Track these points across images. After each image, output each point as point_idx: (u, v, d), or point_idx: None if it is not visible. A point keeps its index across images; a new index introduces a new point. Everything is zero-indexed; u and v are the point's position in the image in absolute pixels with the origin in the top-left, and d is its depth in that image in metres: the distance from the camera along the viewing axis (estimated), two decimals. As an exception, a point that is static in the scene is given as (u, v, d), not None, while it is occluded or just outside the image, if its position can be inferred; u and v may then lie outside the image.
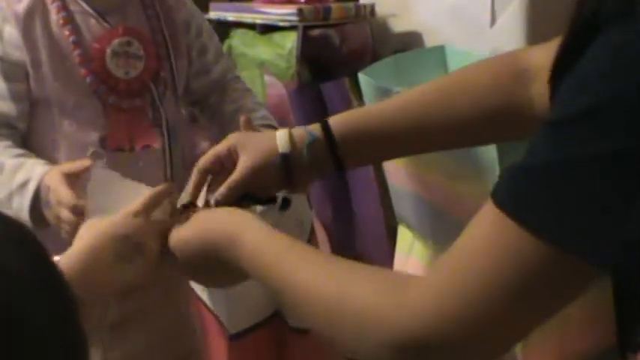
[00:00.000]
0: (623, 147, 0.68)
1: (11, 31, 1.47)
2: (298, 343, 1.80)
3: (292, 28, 2.33)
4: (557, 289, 0.73)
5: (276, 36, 2.37)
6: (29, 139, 1.52)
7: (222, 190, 1.08)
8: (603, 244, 0.69)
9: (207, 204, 1.09)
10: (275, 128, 1.53)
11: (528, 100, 1.01)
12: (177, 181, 1.56)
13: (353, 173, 2.32)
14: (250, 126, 1.33)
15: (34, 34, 1.48)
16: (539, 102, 0.99)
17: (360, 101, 2.08)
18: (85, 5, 1.50)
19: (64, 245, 1.05)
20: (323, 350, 1.71)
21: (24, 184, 1.42)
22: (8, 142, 1.48)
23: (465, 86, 1.08)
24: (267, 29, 2.40)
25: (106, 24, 1.51)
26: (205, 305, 1.79)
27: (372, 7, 2.43)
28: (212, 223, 1.01)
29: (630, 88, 0.68)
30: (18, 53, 1.47)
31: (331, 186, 2.37)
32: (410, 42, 2.38)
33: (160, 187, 1.11)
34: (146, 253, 1.05)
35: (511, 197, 0.73)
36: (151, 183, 1.51)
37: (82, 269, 1.02)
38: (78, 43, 1.49)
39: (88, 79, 1.48)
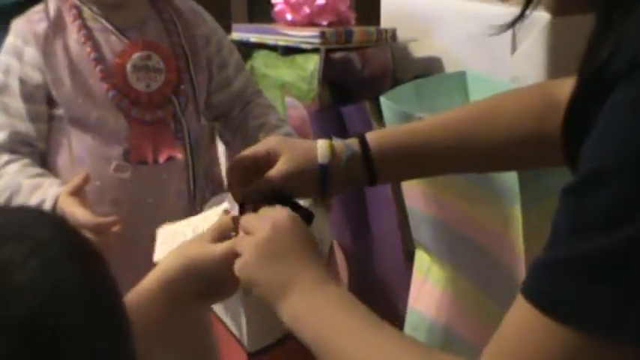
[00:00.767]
0: None
1: (32, 53, 1.49)
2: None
3: (314, 50, 2.34)
4: None
5: (298, 58, 2.38)
6: (52, 155, 1.54)
7: (253, 186, 1.09)
8: None
9: (241, 207, 1.09)
10: None
11: (558, 128, 1.03)
12: (199, 193, 1.58)
13: (372, 196, 2.33)
14: None
15: (54, 53, 1.49)
16: None
17: (381, 124, 2.09)
18: (104, 22, 1.52)
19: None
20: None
21: (39, 206, 1.43)
22: (27, 161, 1.49)
23: (499, 111, 1.10)
24: (290, 51, 2.41)
25: (125, 39, 1.52)
26: (224, 324, 1.79)
27: (394, 31, 2.45)
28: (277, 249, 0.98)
29: None
30: (38, 74, 1.49)
31: (350, 208, 2.38)
32: (431, 67, 2.39)
33: (223, 218, 1.10)
34: (226, 290, 1.05)
35: (550, 294, 0.72)
36: (174, 195, 1.53)
37: (164, 303, 1.02)
38: (99, 59, 1.51)
39: (110, 94, 1.50)
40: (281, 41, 2.42)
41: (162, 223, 1.27)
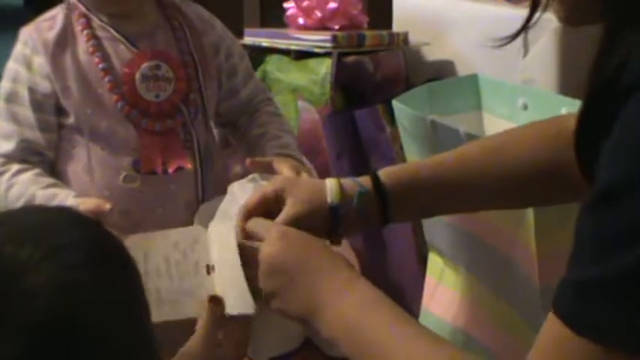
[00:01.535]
0: None
1: (41, 62, 1.49)
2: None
3: (327, 54, 2.35)
4: None
5: (311, 62, 2.39)
6: (61, 164, 1.53)
7: None
8: None
9: None
10: (293, 157, 1.53)
11: (573, 160, 1.02)
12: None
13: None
14: (258, 168, 1.35)
15: (63, 63, 1.49)
16: None
17: (393, 128, 2.10)
18: (113, 31, 1.52)
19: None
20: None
21: None
22: (38, 170, 1.49)
23: (512, 146, 1.08)
24: (302, 55, 2.42)
25: (134, 49, 1.52)
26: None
27: (406, 35, 2.45)
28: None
29: None
30: (47, 84, 1.48)
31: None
32: (443, 70, 2.39)
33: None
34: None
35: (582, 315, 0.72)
36: (183, 205, 1.53)
37: None
38: (108, 69, 1.50)
39: (119, 105, 1.49)
40: (293, 45, 2.43)
41: None
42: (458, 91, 1.99)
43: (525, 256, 1.54)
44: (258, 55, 2.48)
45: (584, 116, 0.80)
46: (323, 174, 2.44)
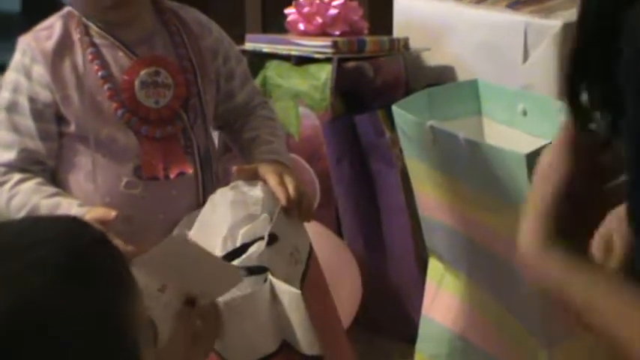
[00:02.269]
0: None
1: (40, 71, 1.48)
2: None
3: (327, 60, 2.36)
4: None
5: (311, 68, 2.40)
6: (62, 172, 1.53)
7: None
8: None
9: None
10: (279, 162, 1.54)
11: None
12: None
13: (384, 203, 2.34)
14: (244, 175, 1.35)
15: (62, 72, 1.48)
16: None
17: (393, 133, 2.10)
18: (111, 38, 1.52)
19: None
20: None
21: None
22: (39, 179, 1.49)
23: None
24: (302, 61, 2.43)
25: (133, 55, 1.52)
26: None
27: (406, 40, 2.46)
28: None
29: None
30: (46, 93, 1.48)
31: (363, 216, 2.38)
32: (443, 76, 2.40)
33: None
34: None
35: None
36: (184, 210, 1.53)
37: None
38: (107, 77, 1.49)
39: (119, 113, 1.49)
40: (294, 51, 2.44)
41: None
42: (458, 97, 2.00)
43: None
44: (259, 60, 2.49)
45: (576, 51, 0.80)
46: (323, 179, 2.45)
